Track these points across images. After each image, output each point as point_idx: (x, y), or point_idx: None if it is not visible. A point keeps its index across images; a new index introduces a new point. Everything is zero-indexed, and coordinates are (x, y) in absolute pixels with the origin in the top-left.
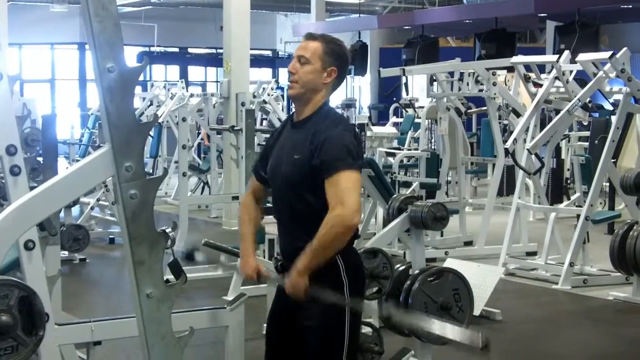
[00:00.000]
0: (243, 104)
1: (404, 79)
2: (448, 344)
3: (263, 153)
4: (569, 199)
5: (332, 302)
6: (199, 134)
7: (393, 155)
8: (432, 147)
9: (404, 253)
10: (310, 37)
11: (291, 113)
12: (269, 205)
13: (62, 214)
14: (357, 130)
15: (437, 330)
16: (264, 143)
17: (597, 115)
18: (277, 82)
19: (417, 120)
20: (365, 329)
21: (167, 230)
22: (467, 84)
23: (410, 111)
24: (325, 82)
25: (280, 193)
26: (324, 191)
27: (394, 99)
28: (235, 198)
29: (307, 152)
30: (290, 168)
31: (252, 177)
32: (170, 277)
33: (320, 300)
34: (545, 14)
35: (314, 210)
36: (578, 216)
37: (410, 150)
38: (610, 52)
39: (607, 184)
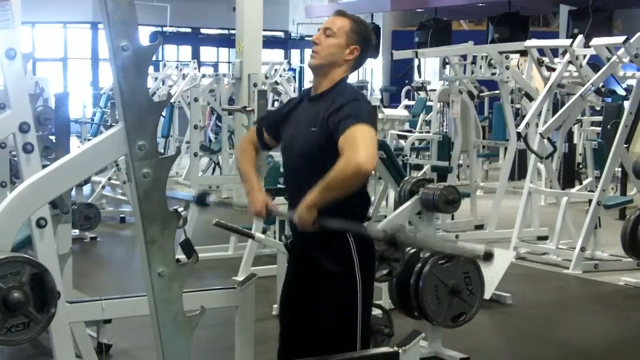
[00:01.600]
0: (255, 85)
1: (416, 62)
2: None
3: (271, 116)
4: (580, 183)
5: (343, 228)
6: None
7: (405, 137)
8: (444, 130)
9: None
10: (340, 13)
11: (308, 88)
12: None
13: (73, 193)
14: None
15: (440, 248)
16: None
17: (609, 100)
18: (289, 63)
19: (429, 103)
20: (376, 311)
21: (179, 210)
22: (480, 67)
23: (422, 94)
24: (347, 59)
25: (294, 168)
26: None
27: (406, 81)
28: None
29: (323, 121)
30: (306, 141)
31: (252, 130)
32: (182, 256)
33: (331, 228)
34: None
35: None
36: (590, 201)
37: (422, 133)
38: (624, 37)
39: (619, 169)
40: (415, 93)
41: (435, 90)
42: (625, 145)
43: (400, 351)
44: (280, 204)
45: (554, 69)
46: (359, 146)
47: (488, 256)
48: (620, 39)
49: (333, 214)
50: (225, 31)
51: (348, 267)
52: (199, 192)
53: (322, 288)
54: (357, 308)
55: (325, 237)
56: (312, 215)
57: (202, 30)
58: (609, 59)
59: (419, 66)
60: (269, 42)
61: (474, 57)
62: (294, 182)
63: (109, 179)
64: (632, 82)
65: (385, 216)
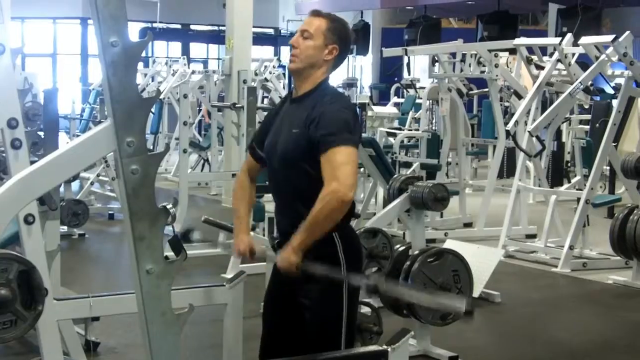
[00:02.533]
0: (245, 82)
1: (405, 59)
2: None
3: (260, 131)
4: (569, 181)
5: (324, 276)
6: (199, 111)
7: (394, 135)
8: (433, 127)
9: (404, 233)
10: (315, 13)
11: (290, 90)
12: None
13: (61, 189)
14: (356, 108)
15: (423, 302)
16: None
17: (598, 98)
18: (279, 60)
19: (418, 101)
20: (364, 309)
21: (168, 207)
22: (469, 65)
23: (411, 91)
24: (326, 59)
25: (277, 170)
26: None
27: (395, 79)
28: (235, 175)
29: (304, 126)
30: (287, 143)
31: (248, 155)
32: (171, 254)
33: (313, 275)
34: None
35: (312, 187)
36: (578, 199)
37: (411, 130)
38: (613, 36)
39: (608, 167)
40: (405, 91)
41: (424, 88)
42: (613, 144)
43: (389, 349)
44: (271, 200)
45: (542, 68)
46: (339, 176)
47: (469, 312)
48: (609, 38)
49: None
50: (215, 27)
51: (334, 266)
52: (183, 230)
53: (307, 287)
54: (342, 308)
55: None
56: (297, 258)
57: (192, 27)
58: (597, 58)
59: (408, 64)
60: (259, 39)
61: (463, 55)
62: (278, 183)
63: (98, 175)
64: (621, 80)
65: (374, 213)
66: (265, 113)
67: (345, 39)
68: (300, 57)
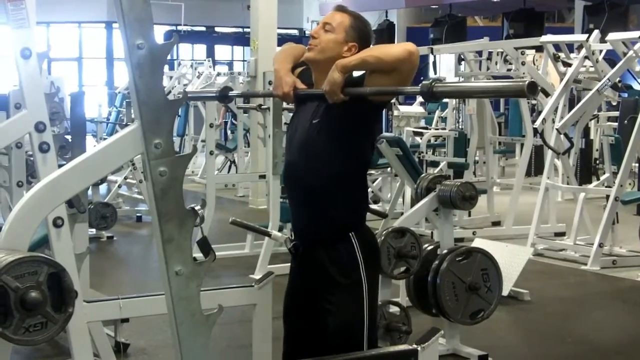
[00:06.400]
0: (270, 83)
1: (431, 58)
2: None
3: None
4: (598, 179)
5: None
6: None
7: (420, 134)
8: (460, 126)
9: (432, 233)
10: (340, 9)
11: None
12: None
13: (89, 192)
14: None
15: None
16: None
17: (626, 95)
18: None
19: (444, 100)
20: (393, 308)
21: (197, 208)
22: (496, 63)
23: None
24: (344, 56)
25: (294, 164)
26: (343, 156)
27: (421, 78)
28: (262, 177)
29: (325, 112)
30: (307, 134)
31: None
32: (199, 255)
33: (354, 95)
34: None
35: (329, 183)
36: (607, 197)
37: (437, 130)
38: None
39: (637, 164)
40: None
41: None
42: None
43: (419, 349)
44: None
45: (570, 65)
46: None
47: None
48: (636, 34)
49: (333, 206)
50: (240, 29)
51: (352, 266)
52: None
53: (326, 289)
54: (363, 308)
55: (328, 238)
56: (342, 78)
57: (217, 29)
58: (625, 54)
59: (434, 63)
60: (284, 40)
61: (490, 53)
62: (296, 180)
63: (125, 178)
64: None
65: (402, 213)
66: (291, 114)
67: (366, 39)
68: (319, 47)
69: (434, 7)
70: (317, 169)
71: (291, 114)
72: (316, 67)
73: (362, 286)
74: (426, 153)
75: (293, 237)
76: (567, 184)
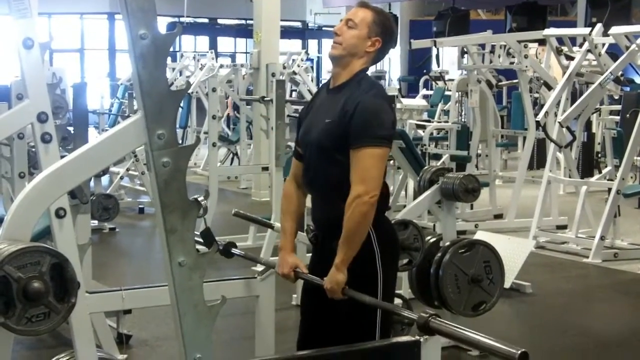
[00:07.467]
0: (273, 75)
1: (434, 51)
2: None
3: (298, 127)
4: (600, 172)
5: (368, 302)
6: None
7: (423, 127)
8: (463, 119)
9: (434, 225)
10: (362, 4)
11: (327, 80)
12: None
13: (92, 184)
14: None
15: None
16: (293, 114)
17: (628, 88)
18: (307, 53)
19: (447, 93)
20: (396, 300)
21: (200, 199)
22: (499, 57)
23: (440, 84)
24: (368, 51)
25: (311, 159)
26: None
27: (424, 71)
28: (265, 169)
29: (339, 115)
30: (321, 132)
31: (293, 160)
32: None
33: (354, 299)
34: None
35: (347, 178)
36: (609, 190)
37: (440, 122)
38: None
39: (639, 157)
40: (434, 83)
41: (453, 79)
42: None
43: (421, 340)
44: None
45: (572, 58)
46: (366, 178)
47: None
48: (639, 28)
49: None
50: (243, 21)
51: (369, 257)
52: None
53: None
54: (377, 298)
55: None
56: (344, 276)
57: (220, 21)
58: (628, 48)
59: (437, 55)
60: (287, 32)
61: (493, 47)
62: (313, 173)
63: (127, 169)
64: None
65: (405, 205)
66: (294, 106)
67: (390, 32)
68: (343, 45)
69: (437, 0)
70: (333, 165)
71: (293, 107)
72: (338, 63)
73: (377, 278)
74: (429, 146)
75: (313, 227)
76: (569, 177)
